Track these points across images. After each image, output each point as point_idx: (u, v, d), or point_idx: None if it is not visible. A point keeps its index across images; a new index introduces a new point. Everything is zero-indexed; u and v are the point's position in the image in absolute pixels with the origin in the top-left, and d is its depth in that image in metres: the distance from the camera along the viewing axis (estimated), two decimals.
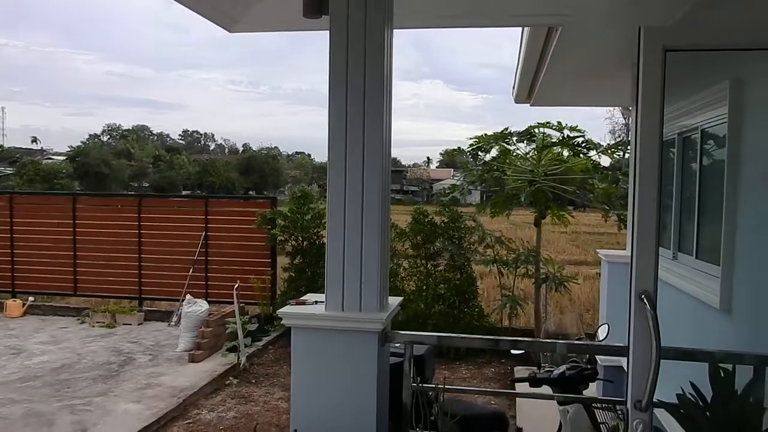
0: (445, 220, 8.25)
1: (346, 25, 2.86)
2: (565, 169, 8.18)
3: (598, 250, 6.59)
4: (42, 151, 66.88)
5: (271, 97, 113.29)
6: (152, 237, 9.17)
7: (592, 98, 7.13)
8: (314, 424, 2.81)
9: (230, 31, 3.93)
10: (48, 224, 9.57)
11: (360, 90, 2.81)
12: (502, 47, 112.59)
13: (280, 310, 2.91)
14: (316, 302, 2.97)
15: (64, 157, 54.33)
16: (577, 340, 3.68)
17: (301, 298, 3.04)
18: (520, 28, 4.71)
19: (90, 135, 74.50)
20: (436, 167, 77.91)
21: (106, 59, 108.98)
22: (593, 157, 7.64)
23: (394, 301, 3.07)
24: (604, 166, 7.97)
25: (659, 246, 2.86)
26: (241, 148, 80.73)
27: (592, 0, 3.26)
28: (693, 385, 2.42)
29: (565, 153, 8.22)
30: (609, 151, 7.64)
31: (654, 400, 2.15)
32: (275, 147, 74.86)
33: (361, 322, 2.78)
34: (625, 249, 6.20)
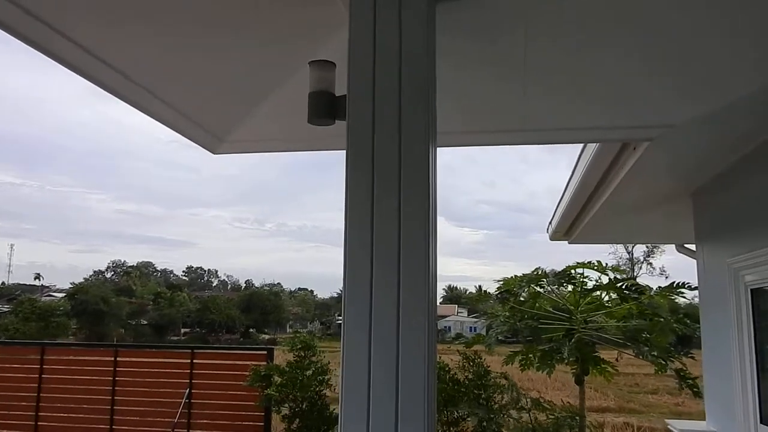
0: (470, 377, 7.04)
1: (372, 134, 1.94)
2: (606, 315, 7.14)
3: (667, 421, 5.35)
4: (42, 287, 66.04)
5: (276, 234, 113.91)
6: (128, 394, 7.90)
7: (642, 234, 6.23)
8: None
9: (215, 153, 3.10)
10: (11, 378, 8.33)
11: (393, 219, 1.83)
12: (496, 185, 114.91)
13: None
14: None
15: (64, 295, 53.37)
16: None
17: None
18: (576, 156, 3.91)
19: (94, 271, 73.96)
20: (440, 303, 76.47)
21: (118, 198, 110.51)
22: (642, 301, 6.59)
23: None
24: (654, 312, 6.88)
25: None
26: (244, 285, 79.75)
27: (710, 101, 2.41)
28: None
29: (605, 295, 7.24)
30: (662, 295, 6.59)
31: None
32: (278, 283, 74.05)
33: None
34: (705, 419, 4.98)
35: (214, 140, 3.02)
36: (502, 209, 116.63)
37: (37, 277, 70.98)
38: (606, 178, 3.74)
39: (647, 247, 54.39)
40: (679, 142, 2.79)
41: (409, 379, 1.68)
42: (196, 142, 3.11)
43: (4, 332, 41.98)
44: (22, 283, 68.74)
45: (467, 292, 73.76)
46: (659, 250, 54.72)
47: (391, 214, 1.82)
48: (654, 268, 56.51)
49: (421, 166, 1.87)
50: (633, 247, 54.89)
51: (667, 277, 54.55)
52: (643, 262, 56.88)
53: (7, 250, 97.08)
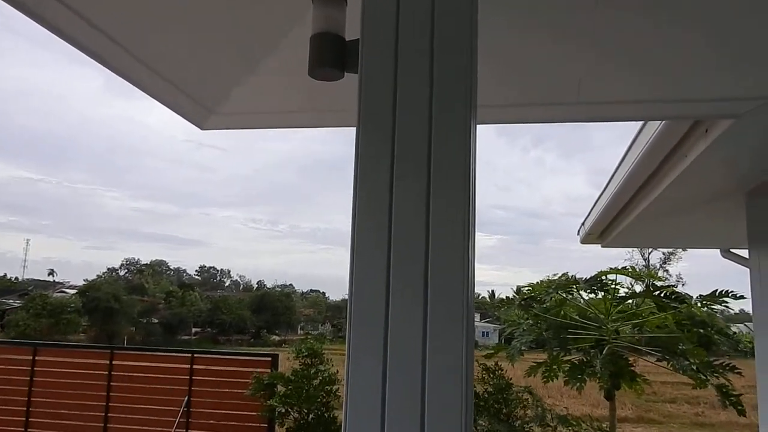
0: (490, 390, 6.50)
1: (393, 93, 1.40)
2: (637, 325, 6.59)
3: None
4: (55, 284, 66.13)
5: (289, 235, 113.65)
6: (123, 400, 7.42)
7: (685, 238, 5.64)
8: None
9: (202, 128, 2.61)
10: (3, 380, 7.88)
11: (419, 211, 1.30)
12: (511, 190, 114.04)
13: None
14: None
15: (76, 291, 53.29)
16: None
17: None
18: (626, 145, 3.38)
19: (108, 269, 73.94)
20: None
21: (133, 196, 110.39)
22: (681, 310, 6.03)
23: None
24: (690, 323, 6.31)
25: None
26: (256, 285, 79.40)
27: None
28: None
29: (634, 303, 6.69)
30: (700, 304, 6.01)
31: None
32: (290, 284, 73.68)
33: None
34: None
35: (202, 112, 2.52)
36: (516, 214, 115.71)
37: (51, 272, 71.18)
38: (662, 168, 3.20)
39: (663, 253, 53.17)
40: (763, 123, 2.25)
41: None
42: (181, 115, 2.62)
43: (15, 328, 41.86)
44: (36, 278, 68.94)
45: (480, 296, 73.06)
46: (676, 256, 53.58)
47: (416, 204, 1.28)
48: (670, 275, 55.21)
49: (459, 139, 1.32)
50: (649, 253, 53.70)
51: (683, 285, 53.33)
52: (659, 269, 55.62)
53: (23, 245, 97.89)
